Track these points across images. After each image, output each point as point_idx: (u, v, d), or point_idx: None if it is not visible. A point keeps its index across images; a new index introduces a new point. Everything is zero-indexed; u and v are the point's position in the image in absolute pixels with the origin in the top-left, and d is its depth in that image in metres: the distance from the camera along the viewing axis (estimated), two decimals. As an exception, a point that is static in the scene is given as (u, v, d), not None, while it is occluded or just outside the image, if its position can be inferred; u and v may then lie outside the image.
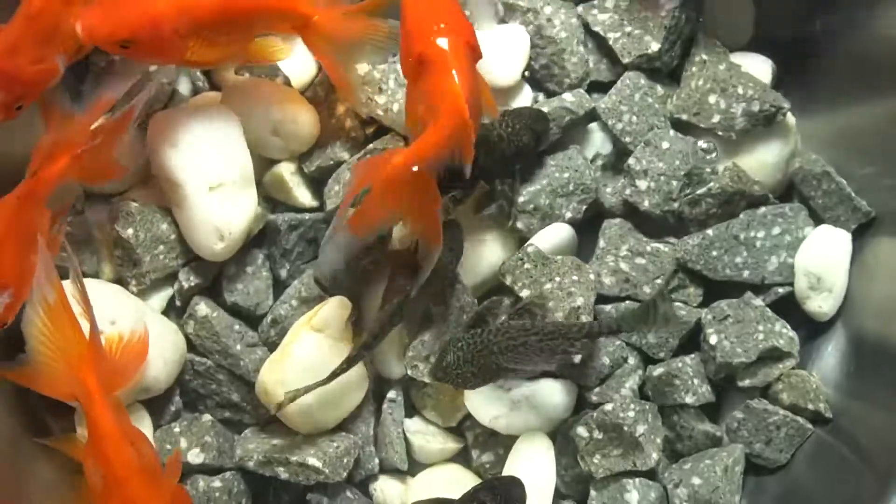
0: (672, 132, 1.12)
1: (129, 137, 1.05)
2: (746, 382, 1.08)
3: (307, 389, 1.02)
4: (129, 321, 1.05)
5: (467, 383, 1.03)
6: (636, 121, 1.13)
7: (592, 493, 1.07)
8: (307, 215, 1.13)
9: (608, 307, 1.10)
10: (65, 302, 0.93)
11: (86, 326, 0.95)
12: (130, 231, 1.08)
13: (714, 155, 1.13)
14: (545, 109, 1.11)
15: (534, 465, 1.07)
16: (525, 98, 1.14)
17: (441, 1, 0.95)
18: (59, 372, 0.93)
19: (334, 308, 1.07)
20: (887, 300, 1.05)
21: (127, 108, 1.01)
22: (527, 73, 1.16)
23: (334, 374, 1.04)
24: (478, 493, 0.99)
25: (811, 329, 1.12)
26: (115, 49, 0.95)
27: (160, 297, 1.12)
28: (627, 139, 1.13)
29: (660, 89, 1.14)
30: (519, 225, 1.11)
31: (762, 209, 1.10)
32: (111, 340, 0.99)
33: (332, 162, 1.12)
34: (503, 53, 1.12)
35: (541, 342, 1.00)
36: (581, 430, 1.08)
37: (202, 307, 1.10)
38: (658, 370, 1.09)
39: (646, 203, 1.11)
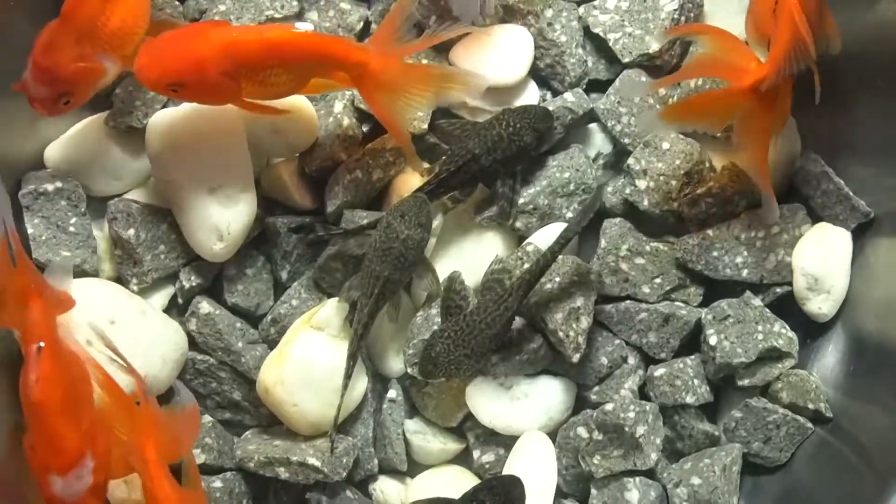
0: (672, 133, 1.12)
1: None
2: (746, 382, 1.08)
3: (338, 408, 1.05)
4: (130, 320, 1.06)
5: (461, 368, 1.04)
6: (636, 122, 1.13)
7: (593, 492, 1.07)
8: (307, 218, 1.13)
9: (608, 307, 1.10)
10: (110, 380, 0.95)
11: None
12: (131, 231, 1.08)
13: None
14: (550, 108, 1.11)
15: (535, 464, 1.07)
16: (532, 96, 1.14)
17: None
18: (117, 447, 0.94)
19: (333, 307, 1.08)
20: (887, 300, 1.05)
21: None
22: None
23: (347, 376, 1.05)
24: (477, 493, 0.99)
25: (811, 329, 1.11)
26: (167, 91, 0.97)
27: (162, 295, 1.13)
28: (626, 140, 1.13)
29: (661, 89, 1.14)
30: (518, 224, 1.11)
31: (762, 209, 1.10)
32: (169, 412, 0.99)
33: (331, 162, 1.12)
34: (507, 52, 1.12)
35: (517, 297, 1.03)
36: (581, 431, 1.08)
37: (205, 304, 1.10)
38: (659, 371, 1.09)
39: (645, 202, 1.11)
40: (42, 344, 0.91)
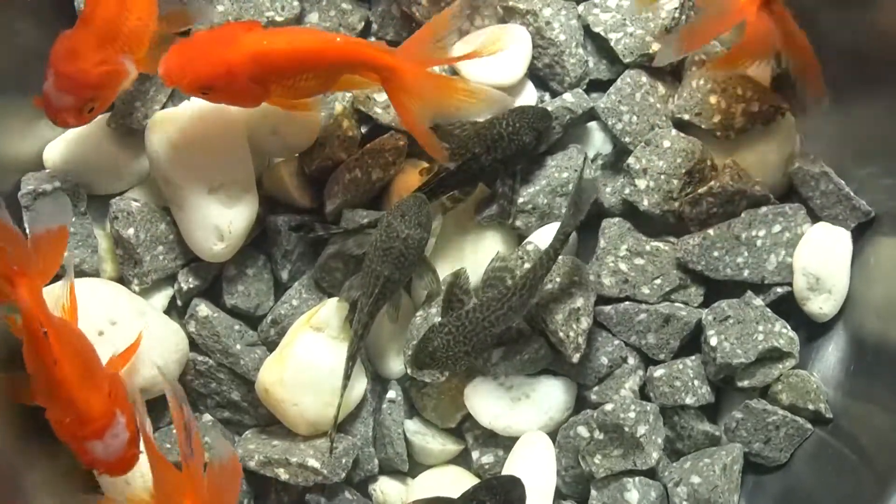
0: (674, 131, 1.12)
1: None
2: (746, 383, 1.08)
3: (338, 408, 1.05)
4: (130, 321, 1.06)
5: (458, 363, 1.04)
6: (636, 121, 1.13)
7: (593, 492, 1.07)
8: (307, 217, 1.13)
9: (607, 308, 1.10)
10: (150, 441, 0.96)
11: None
12: (131, 231, 1.08)
13: None
14: (549, 108, 1.11)
15: (534, 465, 1.07)
16: (529, 97, 1.14)
17: None
18: None
19: (333, 308, 1.08)
20: (887, 300, 1.05)
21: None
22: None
23: (347, 377, 1.05)
24: (477, 493, 0.99)
25: (811, 329, 1.11)
26: (196, 93, 0.97)
27: (163, 296, 1.13)
28: (627, 139, 1.13)
29: (661, 88, 1.14)
30: (517, 223, 1.11)
31: (763, 209, 1.10)
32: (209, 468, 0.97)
33: (330, 162, 1.12)
34: (506, 53, 1.12)
35: (521, 297, 1.03)
36: (582, 430, 1.08)
37: (203, 307, 1.10)
38: (659, 371, 1.09)
39: (645, 202, 1.11)
40: (45, 330, 0.92)
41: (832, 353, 1.11)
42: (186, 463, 0.93)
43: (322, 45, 0.98)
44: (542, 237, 1.09)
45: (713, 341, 1.07)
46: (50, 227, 0.99)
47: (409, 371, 1.09)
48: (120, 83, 1.00)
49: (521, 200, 1.11)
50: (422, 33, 1.00)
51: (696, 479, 1.05)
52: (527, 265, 1.07)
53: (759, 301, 1.09)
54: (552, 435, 1.10)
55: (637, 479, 1.06)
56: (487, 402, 1.09)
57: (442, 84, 1.03)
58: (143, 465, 0.98)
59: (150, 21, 1.00)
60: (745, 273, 1.10)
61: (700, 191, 1.10)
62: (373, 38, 1.18)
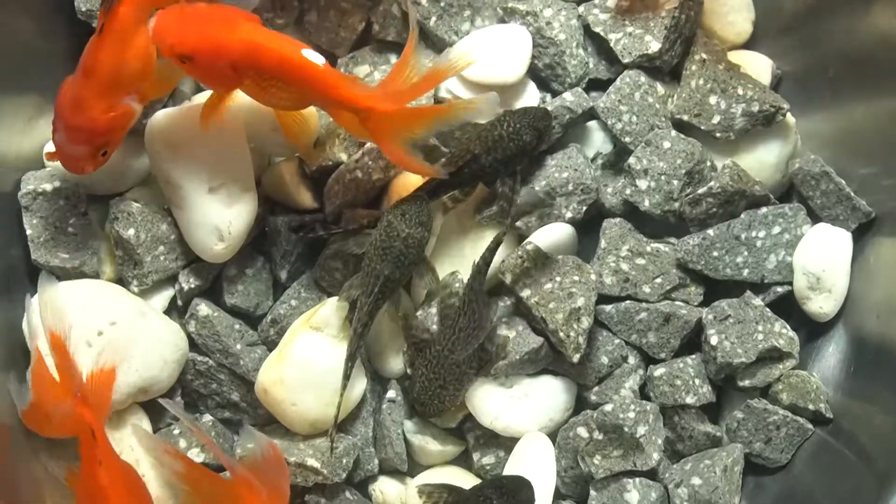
0: (673, 132, 1.12)
1: None
2: (746, 383, 1.08)
3: (338, 408, 1.05)
4: (130, 322, 1.06)
5: (444, 399, 1.06)
6: (636, 121, 1.13)
7: (592, 493, 1.07)
8: (307, 217, 1.13)
9: (608, 307, 1.10)
10: (191, 462, 0.98)
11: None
12: (131, 231, 1.08)
13: None
14: (549, 108, 1.11)
15: (534, 465, 1.07)
16: (531, 97, 1.14)
17: None
18: None
19: (332, 307, 1.07)
20: (887, 300, 1.05)
21: None
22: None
23: (346, 377, 1.05)
24: (485, 489, 1.00)
25: (811, 329, 1.12)
26: (175, 59, 0.97)
27: (163, 297, 1.12)
28: (627, 139, 1.13)
29: (660, 88, 1.14)
30: (517, 224, 1.11)
31: (763, 209, 1.10)
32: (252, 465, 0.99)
33: (330, 162, 1.12)
34: (506, 52, 1.12)
35: (467, 316, 1.05)
36: (581, 431, 1.08)
37: (203, 307, 1.10)
38: (659, 370, 1.09)
39: (646, 203, 1.11)
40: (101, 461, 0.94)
41: (832, 353, 1.11)
42: (234, 473, 0.95)
43: (308, 64, 0.96)
44: (543, 237, 1.09)
45: (713, 340, 1.07)
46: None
47: (408, 370, 1.09)
48: (129, 123, 1.00)
49: (520, 200, 1.11)
50: (395, 72, 0.98)
51: (696, 481, 1.05)
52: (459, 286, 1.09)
53: (758, 301, 1.09)
54: (552, 435, 1.10)
55: (637, 479, 1.06)
56: (488, 402, 1.09)
57: (422, 115, 1.00)
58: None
59: (151, 60, 1.00)
60: (745, 272, 1.10)
61: (700, 191, 1.10)
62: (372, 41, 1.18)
